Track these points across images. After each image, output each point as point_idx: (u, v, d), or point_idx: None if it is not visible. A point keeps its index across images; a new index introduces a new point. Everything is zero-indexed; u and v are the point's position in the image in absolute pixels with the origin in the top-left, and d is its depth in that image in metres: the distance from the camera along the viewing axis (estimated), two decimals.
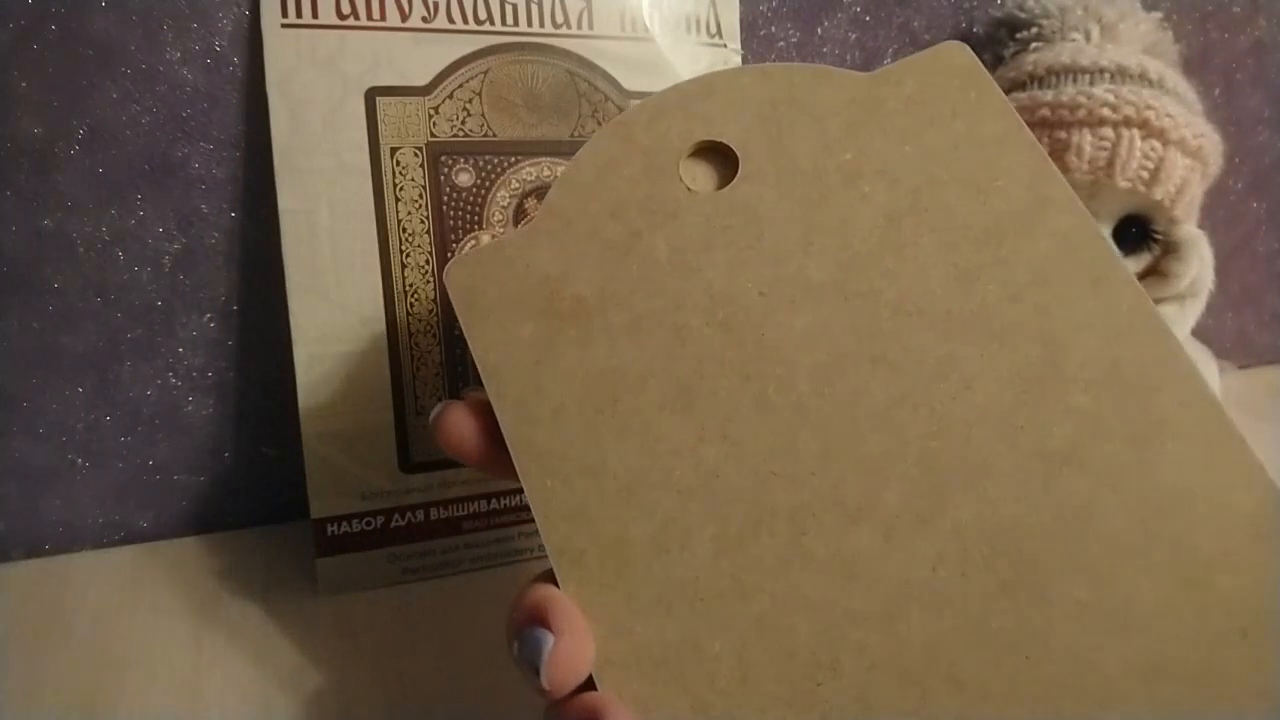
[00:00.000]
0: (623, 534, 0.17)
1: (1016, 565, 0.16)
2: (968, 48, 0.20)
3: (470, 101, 0.30)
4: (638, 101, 0.21)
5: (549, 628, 0.16)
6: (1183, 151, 0.31)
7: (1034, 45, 0.34)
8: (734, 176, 0.20)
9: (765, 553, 0.17)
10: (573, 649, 0.16)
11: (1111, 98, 0.31)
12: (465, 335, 0.19)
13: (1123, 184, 0.31)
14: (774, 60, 0.36)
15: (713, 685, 0.16)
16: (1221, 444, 0.16)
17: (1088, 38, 0.34)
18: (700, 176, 0.20)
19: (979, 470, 0.17)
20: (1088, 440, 0.17)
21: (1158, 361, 0.17)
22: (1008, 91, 0.33)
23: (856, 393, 0.18)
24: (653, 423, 0.18)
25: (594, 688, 0.17)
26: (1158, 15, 0.35)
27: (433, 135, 0.29)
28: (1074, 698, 0.16)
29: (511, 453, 0.18)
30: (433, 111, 0.29)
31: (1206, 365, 0.36)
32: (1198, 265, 0.33)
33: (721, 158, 0.20)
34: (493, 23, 0.30)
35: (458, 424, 0.19)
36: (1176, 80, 0.33)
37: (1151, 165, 0.31)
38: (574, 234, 0.19)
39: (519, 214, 0.31)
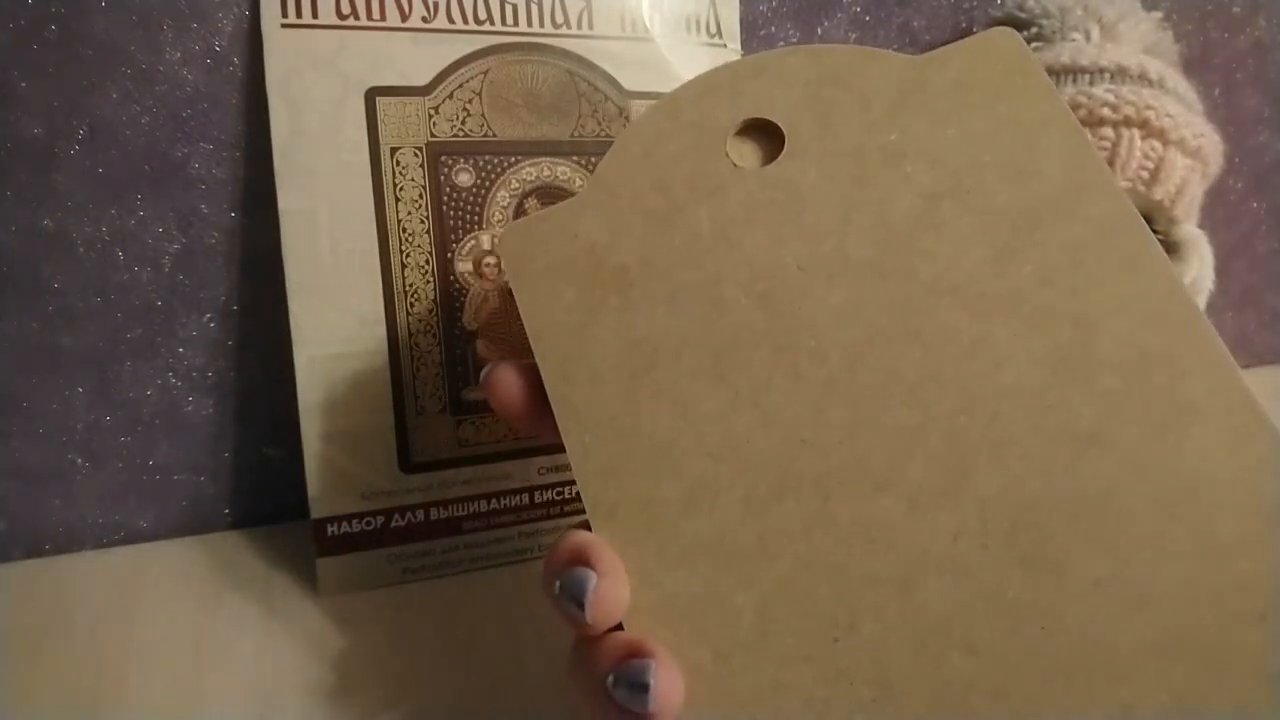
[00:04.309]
0: (654, 491, 0.18)
1: (1036, 540, 0.17)
2: (1016, 34, 0.20)
3: (470, 101, 0.30)
4: (677, 85, 0.21)
5: (592, 567, 0.17)
6: (1183, 151, 0.31)
7: (1034, 45, 0.34)
8: (779, 154, 0.20)
9: (790, 516, 0.18)
10: (614, 588, 0.17)
11: (1111, 98, 0.31)
12: (515, 298, 0.20)
13: (1122, 184, 0.31)
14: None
15: (733, 637, 0.17)
16: (1248, 430, 0.16)
17: (1088, 38, 0.34)
18: (746, 153, 0.20)
19: (1005, 447, 0.17)
20: (1114, 421, 0.17)
21: (1189, 347, 0.17)
22: None
23: (888, 367, 0.18)
24: (687, 389, 0.19)
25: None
26: (1158, 15, 0.35)
27: (433, 135, 0.29)
28: (1086, 670, 0.16)
29: (554, 410, 0.19)
30: (433, 111, 0.29)
31: None
32: (1198, 265, 0.33)
33: (767, 136, 0.20)
34: (493, 23, 0.30)
35: (506, 383, 0.20)
36: (1176, 80, 0.33)
37: (1151, 165, 0.31)
38: (620, 205, 0.20)
39: (519, 214, 0.31)
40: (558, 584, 0.17)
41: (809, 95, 0.20)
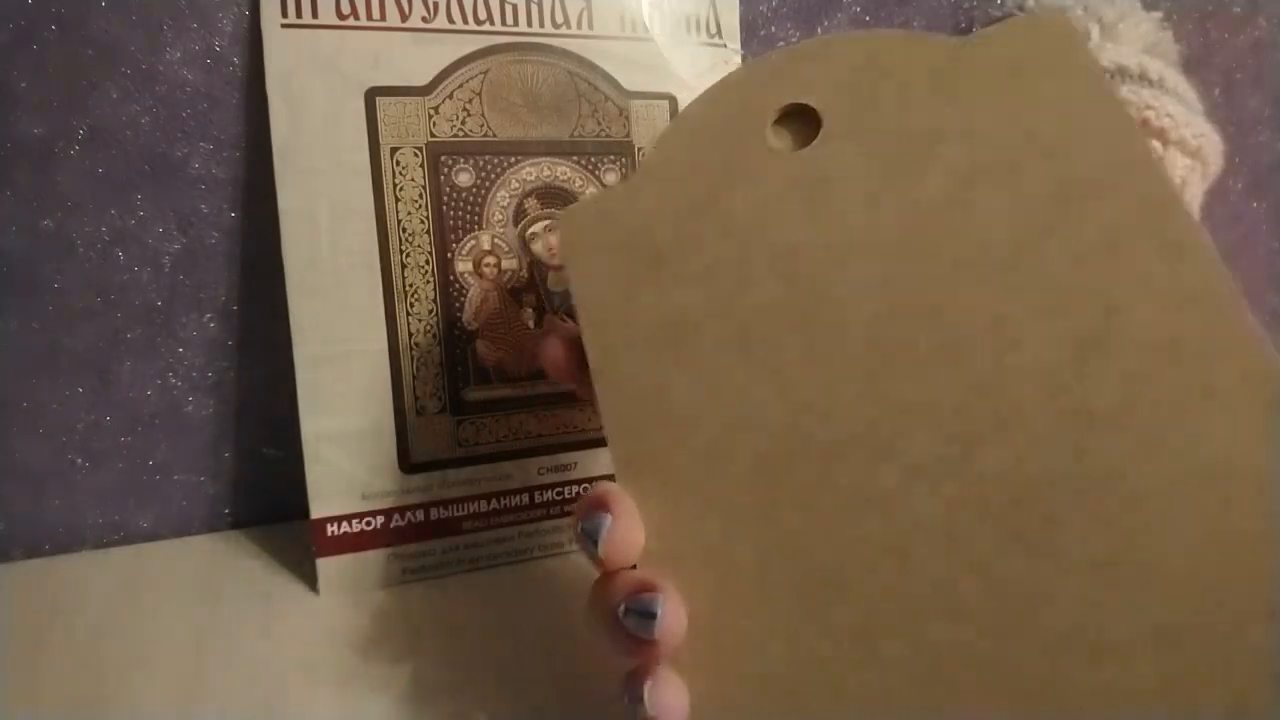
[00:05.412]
0: (674, 451, 0.20)
1: (1034, 518, 0.17)
2: (1064, 15, 0.20)
3: (470, 101, 0.30)
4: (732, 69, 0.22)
5: (609, 512, 0.19)
6: (1183, 151, 0.31)
7: None
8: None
9: (795, 480, 0.19)
10: (627, 530, 0.19)
11: None
12: (567, 274, 0.22)
13: None
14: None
15: (732, 587, 0.19)
16: (1277, 422, 0.16)
17: (1088, 38, 0.34)
18: (786, 137, 0.21)
19: (1013, 425, 0.17)
20: (1132, 404, 0.17)
21: (1223, 333, 0.17)
22: None
23: (904, 344, 0.18)
24: (711, 359, 0.20)
25: None
26: (1158, 15, 0.35)
27: (433, 135, 0.29)
28: (1072, 648, 0.16)
29: (591, 375, 0.21)
30: (433, 111, 0.29)
31: None
32: None
33: (808, 120, 0.21)
34: (493, 23, 0.30)
35: (554, 348, 0.23)
36: (1176, 80, 0.33)
37: None
38: (664, 188, 0.21)
39: (519, 214, 0.31)
40: (580, 526, 0.19)
41: (850, 80, 0.20)
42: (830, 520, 0.18)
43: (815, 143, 0.20)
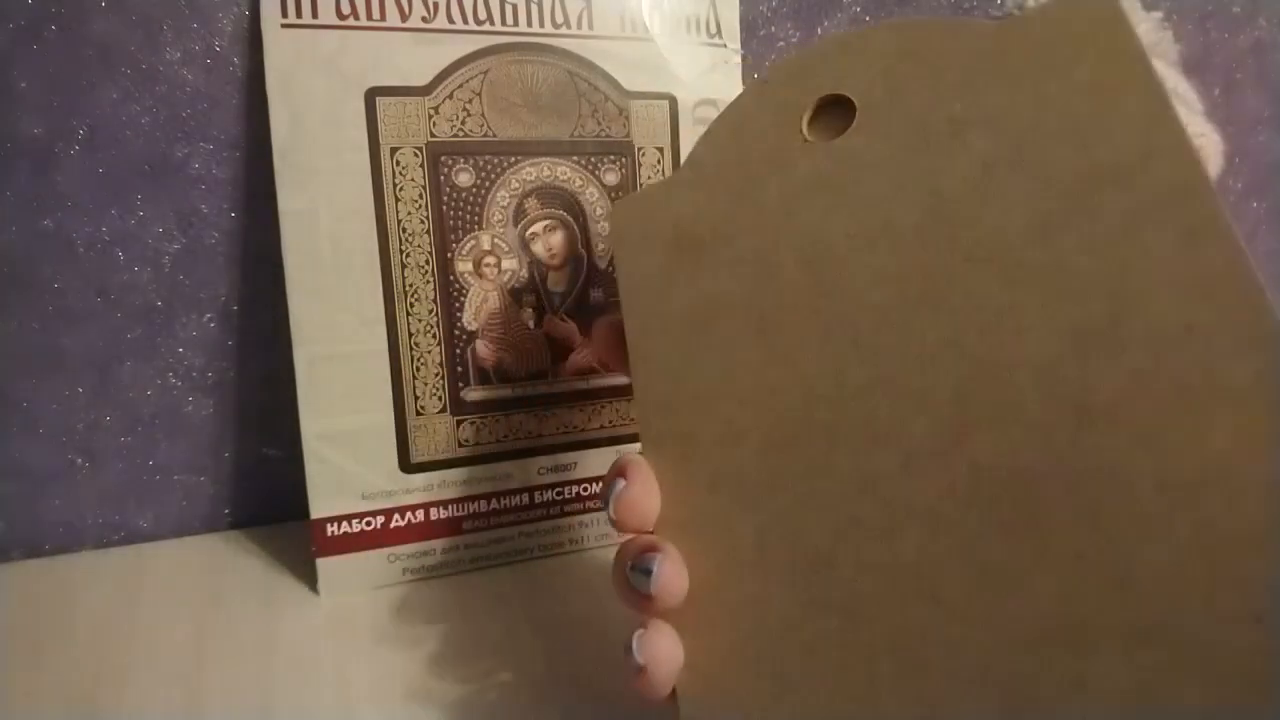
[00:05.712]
0: (694, 428, 0.21)
1: (1021, 509, 0.17)
2: None
3: (470, 101, 0.30)
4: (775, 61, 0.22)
5: (625, 478, 0.21)
6: None
7: None
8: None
9: (798, 460, 0.20)
10: (638, 496, 0.21)
11: None
12: (615, 262, 0.23)
13: None
14: (774, 60, 0.36)
15: (733, 556, 0.20)
16: None
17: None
18: (822, 128, 0.21)
19: (1009, 416, 0.17)
20: (1133, 399, 0.16)
21: (1242, 327, 0.16)
22: None
23: (910, 332, 0.19)
24: (734, 344, 0.21)
25: None
26: (1158, 15, 0.35)
27: (433, 135, 0.29)
28: (1047, 638, 0.16)
29: (628, 355, 0.22)
30: (433, 111, 0.29)
31: None
32: None
33: (845, 111, 0.21)
34: (493, 23, 0.30)
35: (604, 332, 0.25)
36: (1177, 80, 0.33)
37: None
38: (705, 181, 0.22)
39: (519, 214, 0.31)
40: (603, 492, 0.21)
41: (885, 69, 0.20)
42: (826, 501, 0.19)
43: (848, 133, 0.20)
